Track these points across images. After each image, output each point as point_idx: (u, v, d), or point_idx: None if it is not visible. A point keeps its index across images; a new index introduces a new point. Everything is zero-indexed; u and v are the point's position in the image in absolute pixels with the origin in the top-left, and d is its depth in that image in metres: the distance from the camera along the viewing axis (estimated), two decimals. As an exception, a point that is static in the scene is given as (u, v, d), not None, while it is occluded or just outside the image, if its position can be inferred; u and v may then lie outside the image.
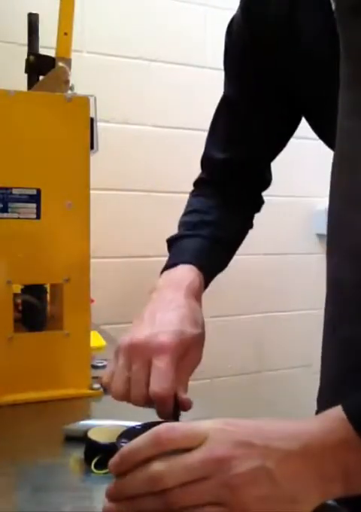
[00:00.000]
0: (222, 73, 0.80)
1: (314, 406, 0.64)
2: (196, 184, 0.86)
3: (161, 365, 0.57)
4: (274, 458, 0.43)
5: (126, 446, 0.45)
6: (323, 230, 0.63)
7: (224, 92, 0.81)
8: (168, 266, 0.73)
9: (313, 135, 0.80)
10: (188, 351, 0.60)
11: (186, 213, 0.82)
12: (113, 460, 0.45)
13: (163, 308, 0.64)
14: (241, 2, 0.73)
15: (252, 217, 0.85)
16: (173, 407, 0.56)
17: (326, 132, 0.68)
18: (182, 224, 0.80)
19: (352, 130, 0.57)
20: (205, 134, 0.85)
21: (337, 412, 0.45)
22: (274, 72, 0.70)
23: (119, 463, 0.45)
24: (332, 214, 0.61)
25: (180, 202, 0.78)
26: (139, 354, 0.58)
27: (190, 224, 0.78)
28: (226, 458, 0.43)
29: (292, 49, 0.66)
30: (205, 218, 0.78)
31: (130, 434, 0.51)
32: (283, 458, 0.44)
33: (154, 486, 0.42)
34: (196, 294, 0.67)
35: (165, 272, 0.73)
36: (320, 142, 0.85)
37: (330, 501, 0.50)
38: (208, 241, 0.75)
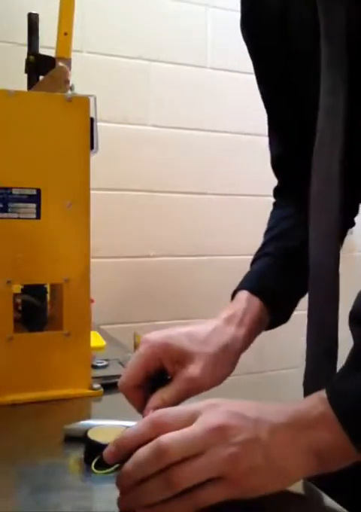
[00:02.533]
0: (222, 73, 0.80)
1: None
2: (274, 194, 0.83)
3: (132, 358, 0.58)
4: (265, 429, 0.45)
5: (122, 435, 0.46)
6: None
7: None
8: (233, 294, 0.70)
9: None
10: (179, 363, 0.58)
11: (264, 234, 0.78)
12: (108, 449, 0.47)
13: (187, 327, 0.63)
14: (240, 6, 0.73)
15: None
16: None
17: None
18: (259, 247, 0.77)
19: (330, 109, 0.58)
20: (205, 134, 0.85)
21: (321, 392, 0.47)
22: (274, 71, 0.71)
23: (115, 451, 0.46)
24: (312, 197, 0.61)
25: (180, 202, 0.79)
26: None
27: (261, 245, 0.75)
28: (223, 427, 0.45)
29: (285, 47, 0.66)
30: (273, 233, 0.75)
31: None
32: (274, 430, 0.46)
33: (159, 459, 0.43)
34: (236, 321, 0.64)
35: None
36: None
37: (333, 503, 0.50)
38: (272, 257, 0.72)
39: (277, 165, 0.79)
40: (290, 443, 0.45)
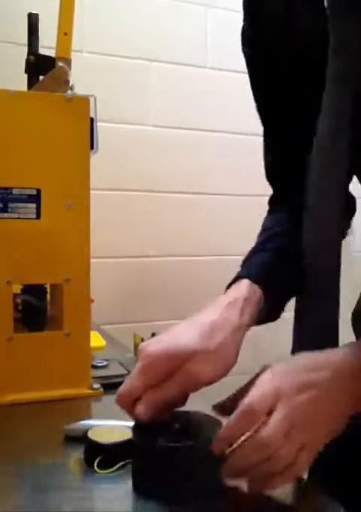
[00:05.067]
0: (222, 73, 0.80)
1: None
2: (269, 202, 0.84)
3: (132, 372, 0.56)
4: (323, 388, 0.52)
5: (221, 431, 0.52)
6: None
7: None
8: (228, 285, 0.69)
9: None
10: (183, 365, 0.57)
11: (257, 236, 0.79)
12: (216, 445, 0.51)
13: (186, 323, 0.62)
14: (243, 8, 0.73)
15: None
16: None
17: None
18: (254, 245, 0.77)
19: (335, 129, 0.58)
20: (205, 134, 0.85)
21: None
22: (277, 76, 0.71)
23: (220, 445, 0.51)
24: (307, 204, 0.61)
25: (180, 202, 0.79)
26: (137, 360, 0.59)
27: (259, 242, 0.75)
28: (302, 403, 0.51)
29: (289, 50, 0.66)
30: (271, 232, 0.75)
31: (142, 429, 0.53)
32: (320, 384, 0.52)
33: (264, 452, 0.49)
34: (236, 310, 0.63)
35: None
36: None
37: (331, 501, 0.50)
38: (271, 253, 0.71)
39: (272, 175, 0.80)
40: (342, 392, 0.53)
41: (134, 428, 0.54)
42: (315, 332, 0.63)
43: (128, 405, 0.56)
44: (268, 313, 0.69)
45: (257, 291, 0.66)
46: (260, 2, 0.70)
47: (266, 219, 0.82)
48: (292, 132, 0.73)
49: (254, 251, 0.74)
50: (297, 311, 0.67)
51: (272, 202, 0.83)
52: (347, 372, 0.53)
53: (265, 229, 0.78)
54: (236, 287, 0.66)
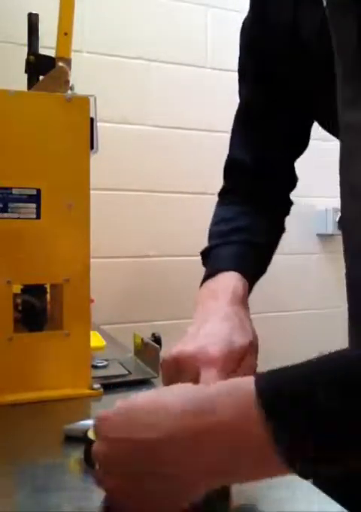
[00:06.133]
0: (222, 73, 0.80)
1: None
2: (221, 194, 0.85)
3: (209, 378, 0.55)
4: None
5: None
6: (323, 230, 0.64)
7: (239, 96, 0.81)
8: (207, 276, 0.70)
9: (313, 135, 0.80)
10: (240, 362, 0.58)
11: (214, 224, 0.80)
12: None
13: (210, 320, 0.62)
14: (250, 3, 0.73)
15: (283, 221, 0.83)
16: None
17: (333, 128, 0.68)
18: (212, 235, 0.78)
19: (350, 125, 0.58)
20: (205, 134, 0.86)
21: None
22: (279, 73, 0.71)
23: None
24: (342, 211, 0.61)
25: (179, 202, 0.79)
26: (187, 368, 0.57)
27: (221, 232, 0.76)
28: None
29: (294, 48, 0.66)
30: (235, 225, 0.76)
31: None
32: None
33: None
34: (242, 301, 0.65)
35: (205, 284, 0.70)
36: (320, 142, 0.85)
37: (332, 501, 0.50)
38: (244, 246, 0.73)
39: (240, 169, 0.80)
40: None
41: None
42: None
43: None
44: None
45: (246, 283, 0.69)
46: (265, 5, 0.70)
47: (221, 209, 0.83)
48: (276, 131, 0.75)
49: (221, 242, 0.75)
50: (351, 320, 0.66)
51: (224, 194, 0.85)
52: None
53: (223, 219, 0.79)
54: (227, 278, 0.68)
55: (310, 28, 0.64)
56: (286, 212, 0.84)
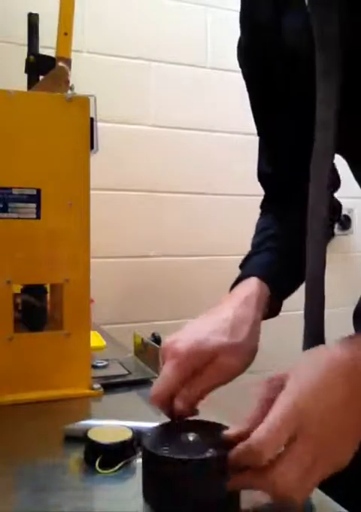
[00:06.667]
0: (222, 73, 0.80)
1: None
2: (261, 205, 0.86)
3: (165, 370, 0.57)
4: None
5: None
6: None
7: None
8: (234, 284, 0.72)
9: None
10: (213, 359, 0.59)
11: (254, 236, 0.81)
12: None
13: (204, 318, 0.64)
14: (239, 21, 0.74)
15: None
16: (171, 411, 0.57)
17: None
18: (251, 247, 0.79)
19: (323, 121, 0.58)
20: (205, 134, 0.86)
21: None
22: (270, 79, 0.71)
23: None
24: (309, 209, 0.62)
25: (180, 202, 0.79)
26: (163, 358, 0.60)
27: (256, 243, 0.77)
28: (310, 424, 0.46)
29: (279, 51, 0.67)
30: (268, 233, 0.77)
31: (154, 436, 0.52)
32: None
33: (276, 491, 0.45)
34: (255, 305, 0.65)
35: (231, 291, 0.71)
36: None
37: (331, 502, 0.50)
38: (272, 253, 0.74)
39: (266, 181, 0.82)
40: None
41: (145, 436, 0.52)
42: (313, 339, 0.64)
43: (165, 403, 0.57)
44: (271, 310, 0.71)
45: (265, 289, 0.68)
46: (251, 13, 0.71)
47: (259, 221, 0.83)
48: (287, 138, 0.75)
49: (254, 253, 0.76)
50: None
51: (264, 203, 0.85)
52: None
53: (259, 230, 0.80)
54: (246, 284, 0.69)
55: (294, 30, 0.65)
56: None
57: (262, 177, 0.82)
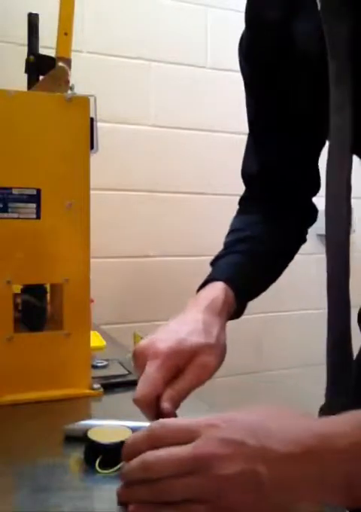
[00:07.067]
0: (223, 73, 0.80)
1: (313, 405, 0.64)
2: (240, 202, 0.87)
3: (148, 371, 0.58)
4: (267, 460, 0.41)
5: (129, 438, 0.48)
6: (323, 231, 0.64)
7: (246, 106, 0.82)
8: (201, 286, 0.74)
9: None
10: (192, 359, 0.60)
11: (227, 234, 0.82)
12: (123, 449, 0.48)
13: (176, 322, 0.66)
14: (245, 20, 0.74)
15: (300, 227, 0.84)
16: (157, 412, 0.57)
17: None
18: (223, 246, 0.81)
19: (338, 127, 0.59)
20: (205, 134, 0.86)
21: (354, 416, 0.42)
22: (271, 77, 0.71)
23: (124, 452, 0.48)
24: (326, 213, 0.63)
25: (179, 202, 0.79)
26: (139, 360, 0.61)
27: (228, 243, 0.79)
28: (211, 456, 0.42)
29: (289, 54, 0.67)
30: (242, 235, 0.78)
31: None
32: (278, 462, 0.41)
33: (144, 474, 0.44)
34: (218, 312, 0.68)
35: (197, 293, 0.74)
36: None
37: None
38: (243, 255, 0.76)
39: (250, 179, 0.84)
40: (300, 477, 0.40)
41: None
42: (335, 342, 0.64)
43: (151, 404, 0.57)
44: (236, 312, 0.74)
45: (231, 293, 0.71)
46: (259, 11, 0.71)
47: (236, 220, 0.84)
48: (281, 139, 0.76)
49: (224, 253, 0.78)
50: None
51: (243, 201, 0.86)
52: (324, 452, 0.41)
53: (234, 230, 0.81)
54: (212, 288, 0.71)
55: (306, 34, 0.65)
56: (306, 218, 0.84)
57: (246, 175, 0.84)
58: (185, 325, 0.64)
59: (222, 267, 0.75)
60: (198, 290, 0.74)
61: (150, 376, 0.58)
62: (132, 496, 0.46)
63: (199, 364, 0.60)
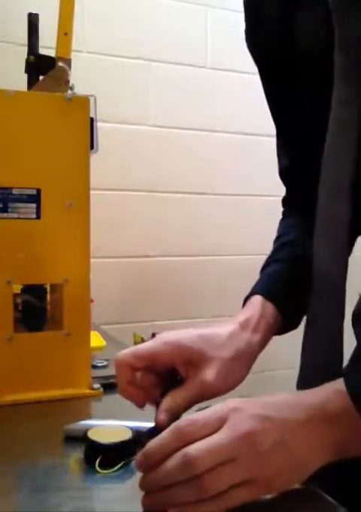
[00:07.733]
0: (223, 73, 0.80)
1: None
2: (283, 204, 0.84)
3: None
4: (289, 429, 0.46)
5: (150, 444, 0.46)
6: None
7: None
8: (245, 300, 0.70)
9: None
10: (196, 364, 0.57)
11: (274, 240, 0.79)
12: (139, 458, 0.46)
13: (199, 327, 0.62)
14: (244, 9, 0.73)
15: None
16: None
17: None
18: (269, 254, 0.77)
19: (343, 121, 0.58)
20: (205, 134, 0.86)
21: (334, 385, 0.49)
22: (276, 68, 0.71)
23: (144, 460, 0.46)
24: (319, 207, 0.62)
25: (180, 202, 0.79)
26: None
27: (272, 251, 0.76)
28: (251, 433, 0.45)
29: (291, 48, 0.66)
30: (284, 240, 0.76)
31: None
32: (295, 428, 0.47)
33: (188, 471, 0.43)
34: (250, 327, 0.64)
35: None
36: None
37: (329, 499, 0.50)
38: (285, 263, 0.72)
39: (285, 176, 0.80)
40: (312, 438, 0.47)
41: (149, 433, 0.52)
42: (320, 340, 0.63)
43: (122, 367, 0.56)
44: (285, 324, 0.70)
45: (270, 307, 0.67)
46: (260, 4, 0.70)
47: (280, 224, 0.82)
48: (303, 134, 0.72)
49: (267, 263, 0.74)
50: (306, 319, 0.67)
51: (286, 203, 0.83)
52: (320, 418, 0.47)
53: (278, 236, 0.79)
54: (250, 304, 0.67)
55: (310, 28, 0.64)
56: None
57: (283, 171, 0.80)
58: (205, 331, 0.60)
59: (262, 279, 0.72)
60: (244, 304, 0.70)
61: (140, 345, 0.56)
62: (173, 500, 0.44)
63: (201, 380, 0.56)
